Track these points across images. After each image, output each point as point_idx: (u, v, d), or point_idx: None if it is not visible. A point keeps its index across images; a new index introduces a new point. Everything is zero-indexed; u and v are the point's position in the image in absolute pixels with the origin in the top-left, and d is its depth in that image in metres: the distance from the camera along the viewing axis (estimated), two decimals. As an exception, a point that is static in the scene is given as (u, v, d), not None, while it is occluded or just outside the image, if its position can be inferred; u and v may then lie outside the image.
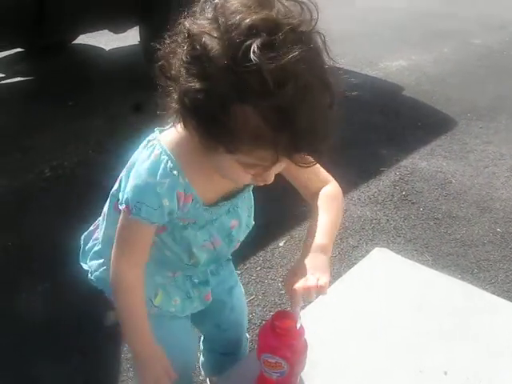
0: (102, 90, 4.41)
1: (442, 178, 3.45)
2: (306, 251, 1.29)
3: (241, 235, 1.40)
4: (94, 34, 5.03)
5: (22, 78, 4.82)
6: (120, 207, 1.21)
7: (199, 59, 0.97)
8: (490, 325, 1.58)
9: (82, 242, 1.50)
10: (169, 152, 1.16)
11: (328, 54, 1.04)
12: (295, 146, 0.99)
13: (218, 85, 0.94)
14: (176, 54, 1.02)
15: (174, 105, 1.05)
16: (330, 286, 1.76)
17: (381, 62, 5.53)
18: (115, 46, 5.23)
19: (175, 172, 1.16)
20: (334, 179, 1.41)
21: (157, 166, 1.16)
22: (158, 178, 1.15)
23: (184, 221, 1.27)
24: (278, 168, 1.11)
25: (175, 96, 1.03)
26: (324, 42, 1.03)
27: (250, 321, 2.15)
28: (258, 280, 2.46)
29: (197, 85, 0.96)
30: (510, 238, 2.90)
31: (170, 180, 1.16)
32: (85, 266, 1.47)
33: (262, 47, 0.91)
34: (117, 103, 4.11)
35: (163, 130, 1.21)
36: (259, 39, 0.92)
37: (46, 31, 3.85)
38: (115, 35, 4.90)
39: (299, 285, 1.20)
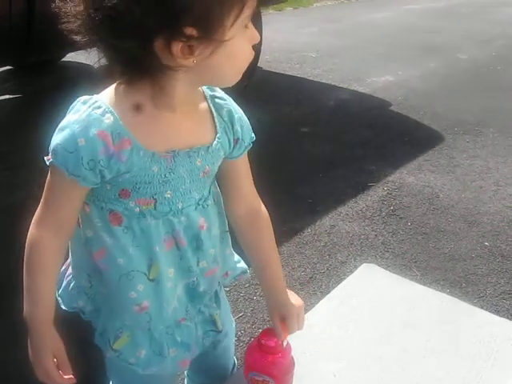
0: (90, 108, 4.41)
1: (430, 193, 3.47)
2: (283, 292, 1.36)
3: (210, 245, 1.23)
4: (82, 51, 5.06)
5: (11, 96, 4.82)
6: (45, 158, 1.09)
7: None
8: (477, 339, 1.58)
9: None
10: (101, 98, 1.08)
11: None
12: None
13: None
14: None
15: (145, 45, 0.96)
16: (318, 302, 1.78)
17: (368, 77, 5.56)
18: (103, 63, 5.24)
19: (98, 111, 1.04)
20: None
21: (82, 106, 1.06)
22: (79, 116, 1.04)
23: (139, 202, 1.12)
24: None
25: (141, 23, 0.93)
26: None
27: (238, 338, 2.15)
28: (246, 297, 2.46)
29: None
30: (498, 252, 2.92)
31: (89, 118, 1.04)
32: (67, 309, 1.30)
33: None
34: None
35: None
36: None
37: (35, 49, 3.86)
38: (104, 53, 4.92)
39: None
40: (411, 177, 3.66)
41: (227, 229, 1.33)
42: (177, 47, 0.96)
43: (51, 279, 1.16)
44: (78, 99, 1.09)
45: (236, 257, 1.41)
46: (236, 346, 1.86)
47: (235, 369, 1.58)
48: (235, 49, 1.01)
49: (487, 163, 3.91)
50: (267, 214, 1.35)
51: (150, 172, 1.09)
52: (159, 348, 1.24)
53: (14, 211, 3.10)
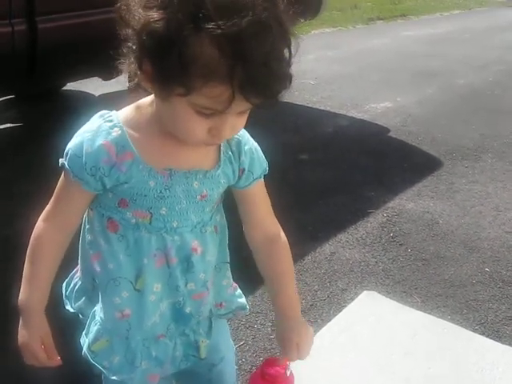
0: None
1: (430, 219, 3.48)
2: (291, 319, 1.36)
3: (201, 269, 1.26)
4: (83, 80, 5.09)
5: (12, 125, 4.84)
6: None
7: None
8: (479, 367, 1.58)
9: (64, 288, 1.42)
10: (117, 114, 1.18)
11: (290, 16, 1.04)
12: (249, 78, 0.97)
13: (176, 13, 0.95)
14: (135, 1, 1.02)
15: (131, 54, 1.05)
16: (319, 330, 1.78)
17: (366, 104, 5.60)
18: (104, 92, 5.28)
19: (108, 124, 1.15)
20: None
21: (97, 119, 1.17)
22: (91, 126, 1.16)
23: (136, 214, 1.18)
24: (234, 121, 1.09)
25: (133, 38, 1.03)
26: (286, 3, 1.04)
27: (239, 367, 2.14)
28: (247, 325, 2.45)
29: (155, 15, 0.97)
30: (499, 278, 2.91)
31: (99, 129, 1.14)
32: (71, 310, 1.38)
33: None
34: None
35: None
36: None
37: (37, 79, 3.88)
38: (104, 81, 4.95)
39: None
40: (411, 203, 3.67)
41: (227, 260, 1.36)
42: (146, 66, 1.03)
43: (50, 270, 1.25)
44: (98, 112, 1.19)
45: (238, 291, 1.44)
46: (237, 374, 1.85)
47: None
48: (176, 114, 1.07)
49: (486, 188, 3.92)
50: (286, 242, 1.38)
51: (147, 186, 1.16)
52: (132, 357, 1.28)
53: (14, 241, 3.11)
